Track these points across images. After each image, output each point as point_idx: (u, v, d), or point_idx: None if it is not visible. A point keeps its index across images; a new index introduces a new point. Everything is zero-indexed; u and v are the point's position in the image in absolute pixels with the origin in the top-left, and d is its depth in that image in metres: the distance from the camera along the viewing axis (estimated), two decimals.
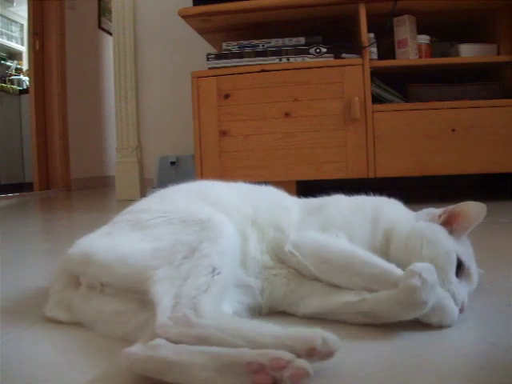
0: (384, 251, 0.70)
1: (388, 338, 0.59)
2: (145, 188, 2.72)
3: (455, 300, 0.62)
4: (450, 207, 0.71)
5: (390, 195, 0.81)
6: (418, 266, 0.58)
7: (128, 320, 0.60)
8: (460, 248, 0.68)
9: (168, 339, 0.49)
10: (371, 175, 1.87)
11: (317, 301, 0.66)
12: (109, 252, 0.62)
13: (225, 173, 1.93)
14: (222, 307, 0.59)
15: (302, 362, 0.44)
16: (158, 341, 0.48)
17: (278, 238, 0.72)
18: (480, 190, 2.32)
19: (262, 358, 0.44)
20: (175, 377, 0.46)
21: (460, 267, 0.66)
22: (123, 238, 0.65)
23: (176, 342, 0.49)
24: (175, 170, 2.50)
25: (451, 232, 0.70)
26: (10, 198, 3.44)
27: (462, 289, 0.64)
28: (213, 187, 0.81)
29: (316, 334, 0.48)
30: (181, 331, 0.49)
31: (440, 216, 0.71)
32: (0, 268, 1.08)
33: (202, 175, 1.94)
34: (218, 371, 0.45)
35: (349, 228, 0.71)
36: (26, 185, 4.42)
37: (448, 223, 0.71)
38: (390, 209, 0.77)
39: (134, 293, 0.60)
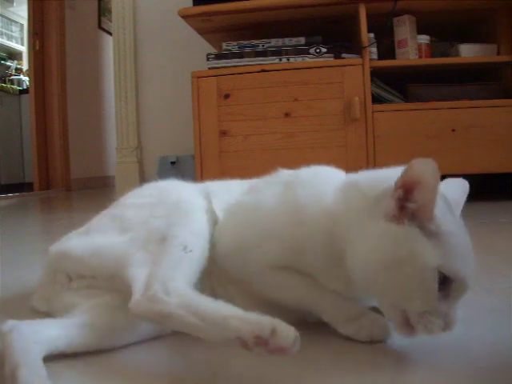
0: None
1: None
2: None
3: (430, 330, 0.50)
4: (398, 178, 0.51)
5: None
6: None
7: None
8: (439, 247, 0.49)
9: (137, 316, 0.51)
10: None
11: None
12: (83, 246, 0.63)
13: (225, 173, 1.92)
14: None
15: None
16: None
17: None
18: (480, 189, 2.32)
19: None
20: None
21: (445, 280, 0.50)
22: (99, 233, 0.65)
23: (143, 319, 0.52)
24: (175, 170, 2.50)
25: (417, 221, 0.50)
26: (10, 198, 3.44)
27: (444, 310, 0.50)
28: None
29: (269, 322, 0.44)
30: (146, 307, 0.50)
31: (395, 198, 0.50)
32: (0, 268, 1.08)
33: (202, 175, 1.94)
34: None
35: None
36: (26, 185, 4.42)
37: (404, 206, 0.50)
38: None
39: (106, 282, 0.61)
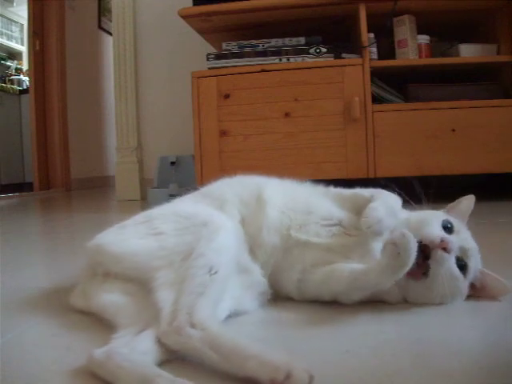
0: None
1: (387, 338, 0.59)
2: (145, 188, 2.72)
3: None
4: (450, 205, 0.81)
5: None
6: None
7: (127, 311, 0.62)
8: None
9: (168, 346, 0.53)
10: (371, 175, 1.87)
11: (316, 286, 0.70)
12: (118, 245, 0.68)
13: (225, 173, 1.91)
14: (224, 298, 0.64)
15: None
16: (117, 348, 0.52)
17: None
18: (480, 189, 2.32)
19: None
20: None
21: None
22: (133, 232, 0.70)
23: (174, 350, 0.53)
24: (175, 170, 2.50)
25: None
26: (10, 198, 3.44)
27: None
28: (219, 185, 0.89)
29: (286, 365, 0.46)
30: (172, 339, 0.53)
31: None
32: (0, 268, 1.08)
33: (202, 175, 1.94)
34: None
35: None
36: (25, 185, 4.43)
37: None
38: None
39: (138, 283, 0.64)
